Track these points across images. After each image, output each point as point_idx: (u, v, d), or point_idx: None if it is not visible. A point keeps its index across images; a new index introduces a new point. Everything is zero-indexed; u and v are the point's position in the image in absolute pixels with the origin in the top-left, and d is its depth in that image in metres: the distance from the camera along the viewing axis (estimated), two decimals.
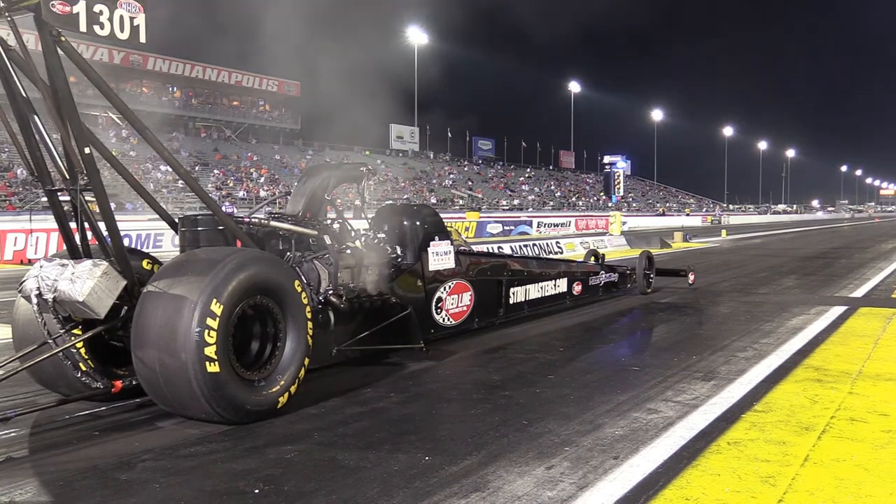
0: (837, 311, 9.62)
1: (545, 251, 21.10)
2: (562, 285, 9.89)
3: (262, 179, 50.09)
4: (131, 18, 4.71)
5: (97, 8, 4.51)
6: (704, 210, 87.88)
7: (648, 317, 9.90)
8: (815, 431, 4.53)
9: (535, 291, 9.24)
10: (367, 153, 66.95)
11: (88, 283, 4.60)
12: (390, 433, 4.64)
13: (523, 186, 76.50)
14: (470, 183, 69.80)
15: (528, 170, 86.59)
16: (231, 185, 46.62)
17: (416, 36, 71.77)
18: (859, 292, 11.93)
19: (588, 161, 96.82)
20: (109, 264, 4.81)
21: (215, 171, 48.11)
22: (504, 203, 64.76)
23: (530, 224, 39.96)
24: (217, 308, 4.54)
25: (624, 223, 35.07)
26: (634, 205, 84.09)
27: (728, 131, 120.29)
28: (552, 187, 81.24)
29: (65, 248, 5.21)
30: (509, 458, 4.10)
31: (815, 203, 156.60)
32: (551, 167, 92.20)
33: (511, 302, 8.77)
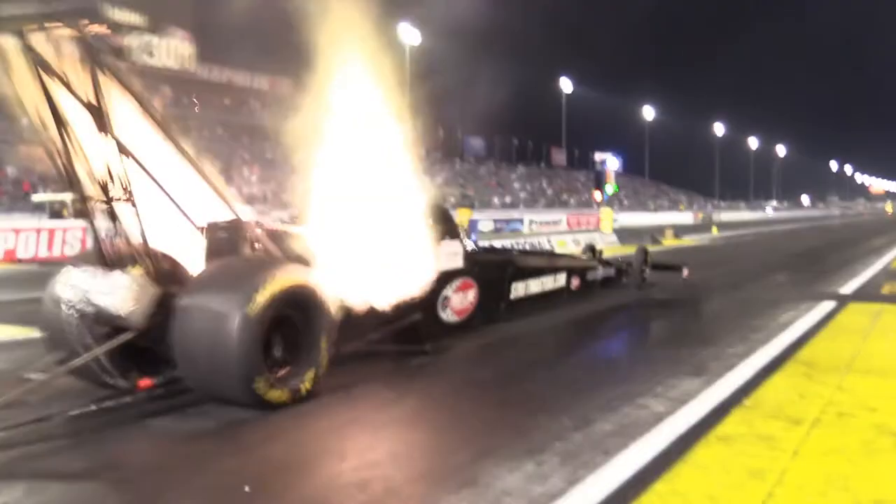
0: (827, 306, 9.64)
1: (537, 248, 21.10)
2: (561, 280, 9.93)
3: (254, 178, 50.03)
4: (179, 48, 4.74)
5: (148, 39, 4.56)
6: (696, 207, 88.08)
7: (640, 312, 9.94)
8: (804, 426, 4.55)
9: (535, 286, 9.30)
10: None
11: (128, 298, 4.83)
12: (381, 430, 4.65)
13: (515, 184, 76.55)
14: (461, 181, 69.83)
15: (520, 167, 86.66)
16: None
17: (408, 34, 71.75)
18: (849, 288, 11.96)
19: (580, 158, 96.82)
20: (144, 274, 4.97)
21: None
22: (496, 201, 64.79)
23: (522, 222, 39.99)
24: (260, 297, 4.84)
25: (615, 220, 35.10)
26: (626, 202, 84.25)
27: (720, 128, 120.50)
28: (544, 185, 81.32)
29: (87, 251, 5.45)
30: (500, 454, 4.11)
31: (805, 200, 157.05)
32: (542, 165, 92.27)
33: (512, 297, 8.81)
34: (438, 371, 6.41)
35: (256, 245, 5.80)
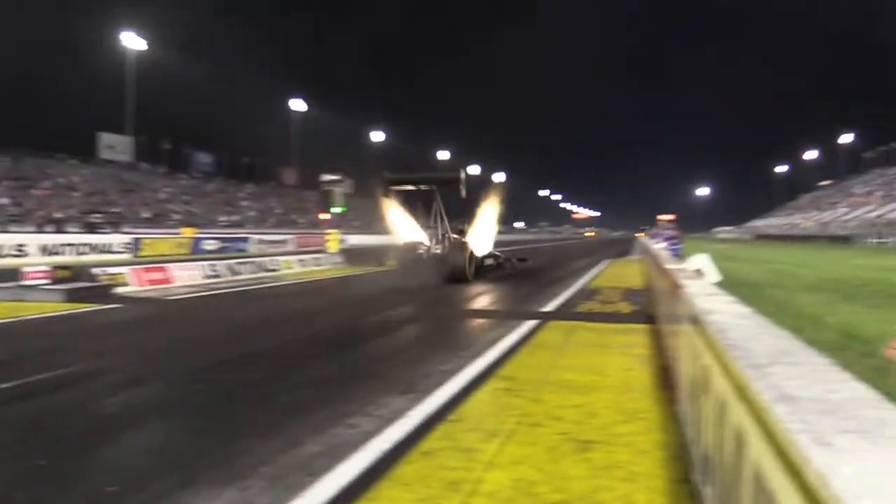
0: (530, 324, 10.36)
1: (263, 268, 20.76)
2: (491, 262, 21.77)
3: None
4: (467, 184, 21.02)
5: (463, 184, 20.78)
6: None
7: (356, 333, 10.10)
8: (500, 437, 4.85)
9: (488, 261, 21.42)
10: (72, 163, 61.82)
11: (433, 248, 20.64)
12: (72, 460, 4.31)
13: (243, 202, 74.90)
14: (187, 198, 67.04)
15: (249, 185, 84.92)
16: None
17: (132, 41, 67.71)
18: (550, 307, 12.94)
19: (311, 179, 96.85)
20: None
21: None
22: (223, 219, 62.94)
23: (247, 241, 39.00)
24: (467, 250, 19.20)
25: (343, 241, 35.41)
26: (356, 223, 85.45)
27: (445, 154, 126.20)
28: (273, 204, 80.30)
29: (417, 239, 21.07)
30: (204, 480, 4.00)
31: (518, 225, 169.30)
32: (274, 184, 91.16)
33: (484, 265, 20.89)
34: (145, 393, 6.10)
35: (452, 239, 20.00)
